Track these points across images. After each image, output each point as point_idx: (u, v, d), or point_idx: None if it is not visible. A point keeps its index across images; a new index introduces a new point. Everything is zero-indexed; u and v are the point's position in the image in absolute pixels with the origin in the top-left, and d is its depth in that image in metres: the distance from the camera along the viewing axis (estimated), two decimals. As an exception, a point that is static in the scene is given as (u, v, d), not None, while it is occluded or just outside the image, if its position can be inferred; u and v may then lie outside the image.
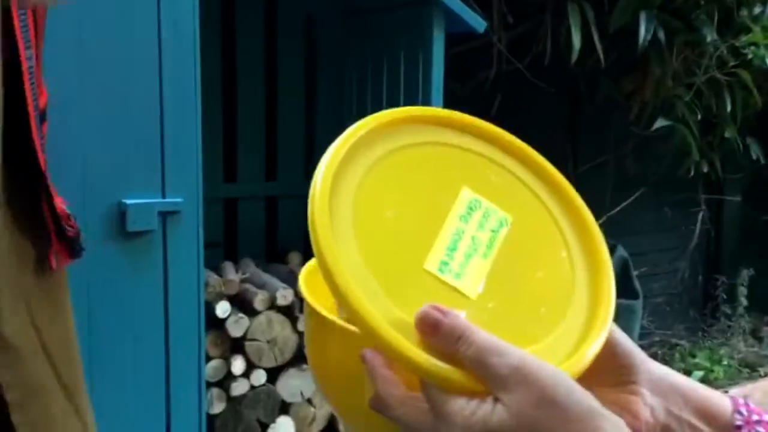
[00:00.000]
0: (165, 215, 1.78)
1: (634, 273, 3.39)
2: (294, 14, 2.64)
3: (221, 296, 1.96)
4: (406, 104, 2.33)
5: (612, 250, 3.35)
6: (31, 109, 0.89)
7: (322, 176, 0.52)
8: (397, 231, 0.52)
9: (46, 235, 0.92)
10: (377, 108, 2.22)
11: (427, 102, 2.18)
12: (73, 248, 0.97)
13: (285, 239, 2.67)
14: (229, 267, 2.17)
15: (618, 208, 3.57)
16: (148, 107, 1.74)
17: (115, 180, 1.71)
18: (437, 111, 0.60)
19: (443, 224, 0.53)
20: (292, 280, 2.11)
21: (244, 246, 2.59)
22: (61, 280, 0.96)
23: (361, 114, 2.16)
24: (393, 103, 2.41)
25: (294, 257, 2.40)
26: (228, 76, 2.56)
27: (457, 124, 0.60)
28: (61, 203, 0.96)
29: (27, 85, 0.89)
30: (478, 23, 2.14)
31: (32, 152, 0.89)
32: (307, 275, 0.64)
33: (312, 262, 0.65)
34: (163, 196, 1.78)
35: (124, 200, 1.72)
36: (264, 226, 2.65)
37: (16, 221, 0.88)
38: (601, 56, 2.65)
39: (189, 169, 1.80)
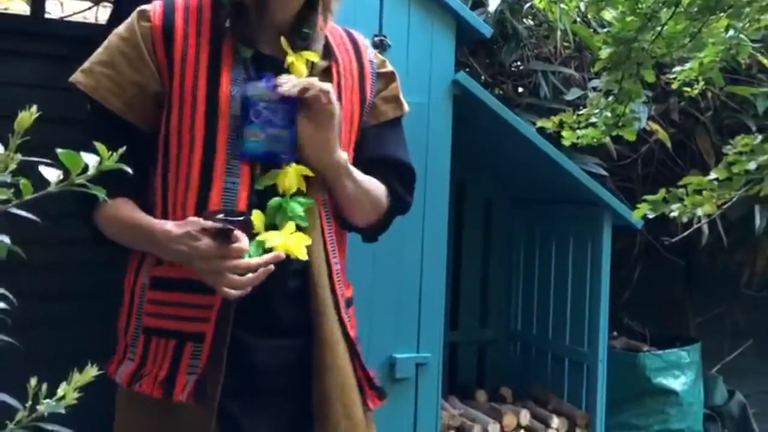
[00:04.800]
0: (418, 366, 2.37)
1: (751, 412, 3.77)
2: (476, 197, 3.28)
3: (449, 428, 2.51)
4: (573, 286, 2.92)
5: (731, 395, 3.76)
6: (341, 300, 1.36)
7: None
8: None
9: (362, 386, 1.39)
10: (544, 283, 2.80)
11: (595, 285, 2.76)
12: (380, 394, 1.43)
13: (464, 377, 3.23)
14: (453, 401, 2.74)
15: (731, 357, 4.00)
16: (411, 289, 2.37)
17: (388, 339, 2.32)
18: None
19: None
20: (494, 415, 2.65)
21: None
22: (370, 415, 1.42)
23: (528, 285, 2.75)
24: (560, 282, 3.00)
25: (481, 395, 2.95)
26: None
27: None
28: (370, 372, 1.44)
29: (336, 286, 1.33)
30: (638, 221, 2.74)
31: (347, 331, 1.32)
32: None
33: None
34: (418, 351, 2.38)
35: (394, 354, 2.33)
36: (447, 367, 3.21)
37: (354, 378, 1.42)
38: (725, 240, 3.21)
39: (434, 331, 2.41)
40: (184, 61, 1.22)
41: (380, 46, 2.26)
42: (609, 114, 1.71)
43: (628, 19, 1.53)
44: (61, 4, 3.59)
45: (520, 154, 2.73)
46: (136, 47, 1.23)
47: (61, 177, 0.58)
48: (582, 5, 1.86)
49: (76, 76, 1.25)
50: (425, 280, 2.38)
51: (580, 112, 1.78)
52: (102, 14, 3.18)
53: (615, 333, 3.52)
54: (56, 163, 0.63)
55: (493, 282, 3.32)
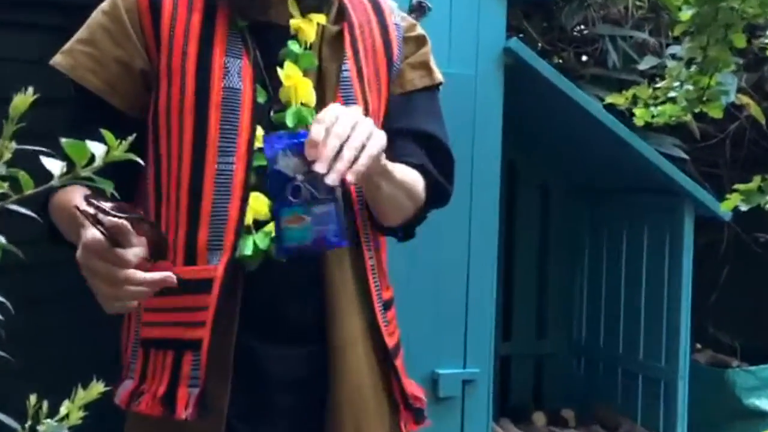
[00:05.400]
0: (465, 383, 2.38)
1: None
2: (532, 184, 3.28)
3: (501, 454, 2.53)
4: (648, 289, 2.91)
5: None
6: (375, 301, 1.38)
7: None
8: None
9: (397, 404, 1.37)
10: (613, 286, 2.78)
11: (675, 289, 2.74)
12: (417, 418, 1.40)
13: (519, 397, 3.24)
14: (505, 424, 2.76)
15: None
16: (456, 292, 2.38)
17: (429, 351, 2.34)
18: None
19: None
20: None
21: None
22: None
23: (593, 288, 2.72)
24: (632, 285, 2.99)
25: (538, 417, 2.95)
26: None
27: None
28: (411, 385, 1.42)
29: (371, 283, 1.36)
30: (725, 213, 2.71)
31: (381, 338, 1.33)
32: None
33: None
34: (464, 366, 2.39)
35: (436, 369, 2.34)
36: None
37: (377, 393, 1.44)
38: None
39: (483, 342, 2.42)
40: (172, 34, 1.26)
41: (419, 10, 2.27)
42: (691, 87, 1.69)
43: (714, -27, 1.51)
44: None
45: (583, 134, 2.72)
46: (119, 21, 1.27)
47: (65, 169, 0.60)
48: (659, -43, 1.84)
49: (56, 57, 1.29)
50: (472, 281, 2.39)
51: (657, 86, 1.77)
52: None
53: (698, 345, 3.49)
54: (55, 152, 0.66)
55: (553, 284, 3.31)
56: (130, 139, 0.66)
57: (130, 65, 1.26)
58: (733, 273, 3.63)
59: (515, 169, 3.18)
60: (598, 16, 3.03)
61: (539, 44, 3.00)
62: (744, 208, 1.60)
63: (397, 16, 1.44)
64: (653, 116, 1.79)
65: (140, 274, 1.03)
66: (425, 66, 1.44)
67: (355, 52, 1.34)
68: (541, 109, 2.72)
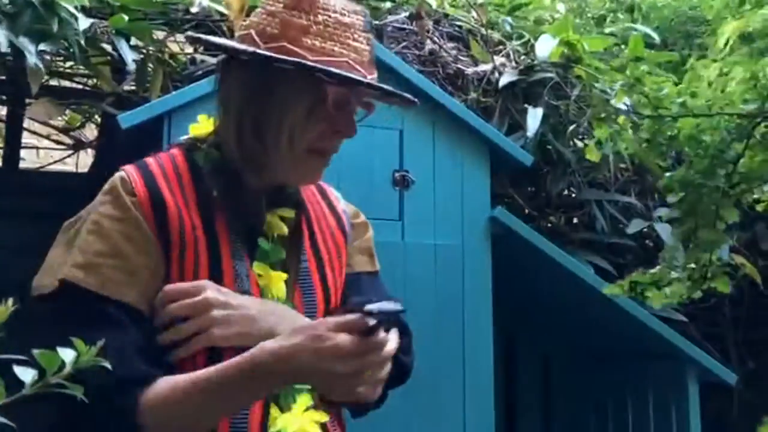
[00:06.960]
0: None
1: None
2: (531, 354, 3.29)
3: None
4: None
5: None
6: None
7: None
8: None
9: None
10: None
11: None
12: None
13: None
14: None
15: None
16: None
17: None
18: None
19: None
20: None
21: None
22: None
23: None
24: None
25: None
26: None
27: None
28: None
29: None
30: (730, 377, 2.73)
31: None
32: None
33: None
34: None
35: None
36: None
37: None
38: None
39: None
40: (182, 239, 1.27)
41: (402, 182, 2.38)
42: (693, 265, 1.74)
43: (693, 159, 1.58)
44: (37, 151, 3.81)
45: (577, 300, 2.77)
46: (138, 226, 1.26)
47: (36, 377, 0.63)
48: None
49: (77, 275, 1.23)
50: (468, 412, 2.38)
51: (653, 271, 1.83)
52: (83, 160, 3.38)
53: None
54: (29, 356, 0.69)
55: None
56: (100, 343, 0.70)
57: (156, 271, 1.26)
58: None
59: (514, 340, 3.21)
60: (584, 181, 3.15)
61: (526, 210, 3.10)
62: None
63: (342, 204, 1.54)
64: (666, 296, 1.83)
65: (391, 345, 1.14)
66: (369, 252, 1.54)
67: (313, 244, 1.42)
68: (534, 277, 2.78)
